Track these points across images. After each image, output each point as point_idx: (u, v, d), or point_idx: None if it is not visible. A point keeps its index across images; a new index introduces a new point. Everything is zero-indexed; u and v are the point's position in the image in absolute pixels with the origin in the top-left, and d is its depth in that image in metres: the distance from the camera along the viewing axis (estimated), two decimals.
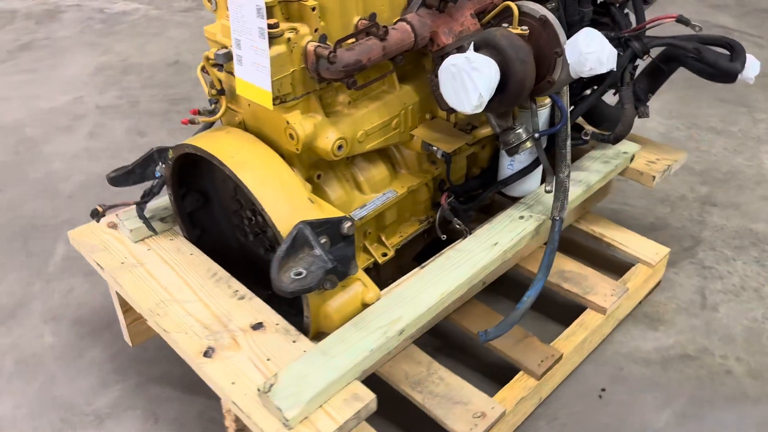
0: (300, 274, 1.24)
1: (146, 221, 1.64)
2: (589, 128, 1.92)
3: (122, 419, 1.76)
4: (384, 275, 1.77)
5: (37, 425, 1.75)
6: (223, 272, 1.61)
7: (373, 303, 1.46)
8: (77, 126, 3.08)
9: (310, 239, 1.27)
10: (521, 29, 1.45)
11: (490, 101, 1.42)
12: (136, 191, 1.68)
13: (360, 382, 1.35)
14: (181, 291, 1.56)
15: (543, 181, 1.81)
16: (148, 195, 1.63)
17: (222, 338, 1.44)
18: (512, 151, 1.58)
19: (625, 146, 2.01)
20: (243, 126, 1.51)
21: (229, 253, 1.74)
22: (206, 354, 1.41)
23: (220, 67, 1.38)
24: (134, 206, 1.64)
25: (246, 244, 1.71)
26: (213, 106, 1.48)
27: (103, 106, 3.24)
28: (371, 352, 1.35)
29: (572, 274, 1.96)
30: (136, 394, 1.83)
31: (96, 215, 1.58)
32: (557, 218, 1.64)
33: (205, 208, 1.71)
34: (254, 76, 1.28)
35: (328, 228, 1.31)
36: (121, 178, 1.62)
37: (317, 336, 1.46)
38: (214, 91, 1.43)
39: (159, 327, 1.49)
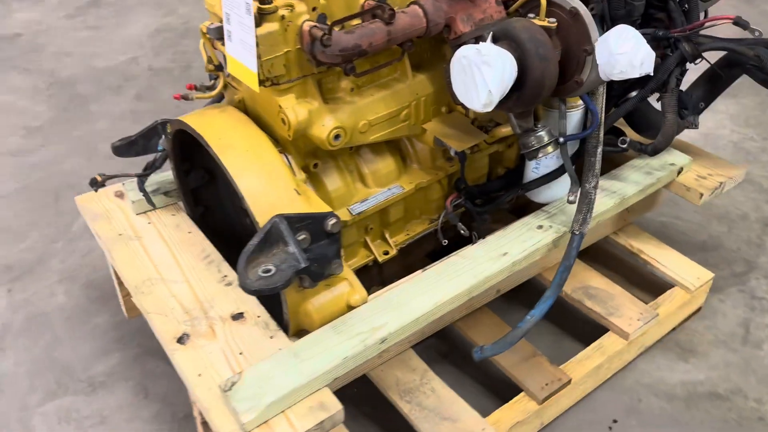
0: (268, 271, 1.15)
1: (146, 195, 1.60)
2: (632, 135, 1.75)
3: (114, 389, 1.75)
4: (387, 273, 1.67)
5: (33, 385, 1.76)
6: (216, 255, 1.56)
7: (358, 305, 1.36)
8: (127, 87, 3.10)
9: (284, 234, 1.18)
10: (548, 22, 1.30)
11: (505, 99, 1.29)
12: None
13: (330, 390, 1.26)
14: (170, 270, 1.52)
15: None
16: (150, 168, 1.58)
17: (199, 325, 1.38)
18: (531, 156, 1.44)
19: (674, 157, 1.81)
20: (242, 105, 1.43)
21: (233, 235, 1.68)
22: (180, 340, 1.36)
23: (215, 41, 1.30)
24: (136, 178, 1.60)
25: (249, 228, 1.65)
26: (212, 82, 1.40)
27: (156, 69, 3.25)
28: (344, 360, 1.26)
29: (598, 291, 1.80)
30: (132, 366, 1.81)
31: (94, 184, 1.55)
32: (577, 233, 1.49)
33: (210, 186, 1.65)
34: (242, 54, 1.19)
35: (309, 223, 1.22)
36: (124, 148, 1.58)
37: (300, 334, 1.39)
38: (211, 66, 1.35)
39: (141, 305, 1.45)
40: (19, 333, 1.91)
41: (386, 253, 1.57)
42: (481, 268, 1.46)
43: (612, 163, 1.82)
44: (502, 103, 1.31)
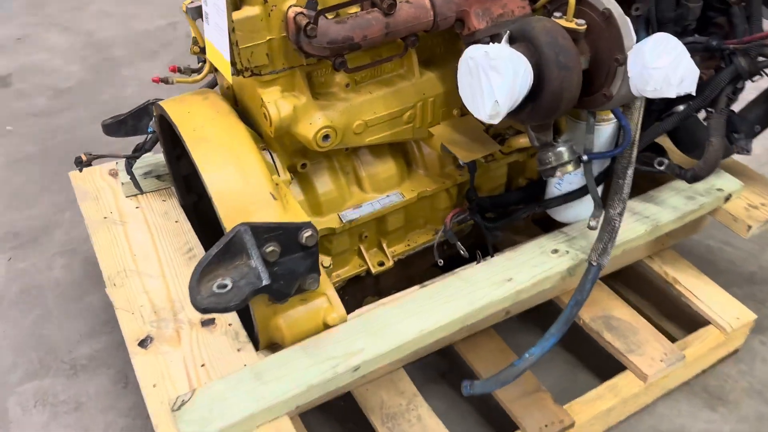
0: (224, 287, 1.03)
1: (134, 178, 1.50)
2: (675, 153, 1.54)
3: (94, 375, 1.69)
4: (385, 284, 1.54)
5: (15, 362, 1.71)
6: (200, 249, 1.45)
7: (335, 325, 1.23)
8: (162, 53, 3.02)
9: (247, 246, 1.05)
10: (576, 23, 1.11)
11: (518, 109, 1.12)
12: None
13: (289, 418, 1.14)
14: (148, 262, 1.42)
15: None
16: (139, 151, 1.48)
17: (166, 328, 1.28)
18: (547, 174, 1.26)
19: (722, 180, 1.60)
20: (231, 93, 1.30)
21: None
22: (142, 343, 1.26)
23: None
24: (125, 159, 1.50)
25: None
26: (200, 64, 1.28)
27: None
28: (308, 388, 1.14)
29: (620, 323, 1.62)
30: (116, 352, 1.74)
31: (80, 163, 1.46)
32: (594, 264, 1.32)
33: None
34: (217, 39, 1.06)
35: (279, 234, 1.09)
36: (114, 126, 1.48)
37: (275, 346, 1.27)
38: (197, 48, 1.23)
39: (111, 298, 1.36)
40: (11, 304, 1.86)
41: (382, 264, 1.43)
42: (480, 294, 1.30)
43: (652, 181, 1.63)
44: (515, 114, 1.14)
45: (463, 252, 1.34)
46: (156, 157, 1.60)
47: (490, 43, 1.12)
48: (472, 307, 1.28)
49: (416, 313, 1.26)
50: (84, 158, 1.45)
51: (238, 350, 1.24)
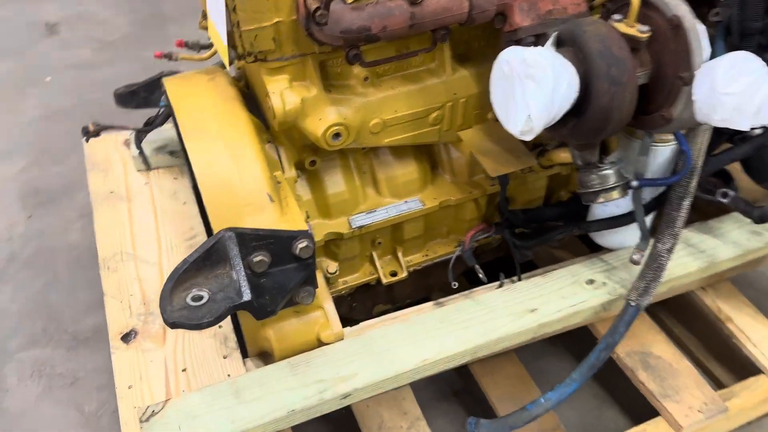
0: (199, 299, 0.92)
1: (142, 153, 1.41)
2: (745, 183, 1.34)
3: (95, 350, 1.63)
4: (400, 294, 1.41)
5: (19, 327, 1.67)
6: (204, 237, 1.35)
7: (330, 343, 1.11)
8: None
9: (230, 255, 0.94)
10: (638, 30, 0.94)
11: (560, 124, 0.96)
12: None
13: None
14: (147, 247, 1.33)
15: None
16: (150, 125, 1.38)
17: (153, 323, 1.20)
18: (587, 198, 1.10)
19: None
20: (243, 75, 1.18)
21: None
22: (125, 337, 1.18)
23: None
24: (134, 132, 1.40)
25: None
26: (210, 40, 1.15)
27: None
28: (289, 413, 1.03)
29: (659, 362, 1.44)
30: None
31: (86, 133, 1.37)
32: (633, 304, 1.15)
33: None
34: (216, 17, 0.93)
35: (270, 243, 0.97)
36: (126, 96, 1.38)
37: (266, 356, 1.16)
38: (205, 23, 1.10)
39: (103, 282, 1.28)
40: (23, 266, 1.82)
41: (395, 274, 1.30)
42: (497, 324, 1.16)
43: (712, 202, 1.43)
44: (554, 130, 0.98)
45: (481, 276, 1.19)
46: (171, 131, 1.50)
47: (533, 45, 0.96)
48: (485, 338, 1.14)
49: (421, 339, 1.13)
50: (91, 128, 1.36)
51: (225, 357, 1.14)
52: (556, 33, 0.96)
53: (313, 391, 1.05)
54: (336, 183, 1.18)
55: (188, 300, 0.92)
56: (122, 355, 1.15)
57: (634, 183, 1.10)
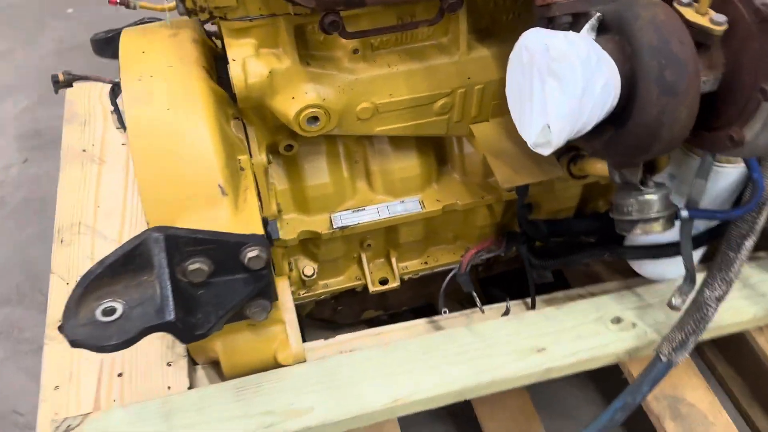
0: (111, 312, 0.75)
1: (117, 110, 1.23)
2: None
3: None
4: (394, 300, 1.21)
5: None
6: None
7: (288, 365, 0.93)
8: None
9: (153, 261, 0.76)
10: (712, 21, 0.69)
11: (593, 133, 0.73)
12: None
13: None
14: (109, 219, 1.17)
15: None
16: None
17: None
18: (622, 228, 0.87)
19: None
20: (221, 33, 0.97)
21: None
22: (62, 327, 1.02)
23: None
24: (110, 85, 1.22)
25: None
26: None
27: None
28: None
29: (691, 411, 1.21)
30: None
31: (56, 83, 1.19)
32: (664, 358, 0.93)
33: None
34: None
35: (211, 249, 0.79)
36: (102, 43, 1.20)
37: (218, 365, 1.00)
38: None
39: (53, 256, 1.13)
40: (11, 213, 1.71)
41: (384, 281, 1.10)
42: (495, 363, 0.96)
43: None
44: (586, 140, 0.75)
45: (479, 305, 0.98)
46: None
47: (569, 28, 0.73)
48: (476, 379, 0.94)
49: (397, 372, 0.94)
50: (61, 78, 1.18)
51: (168, 364, 0.98)
52: (599, 14, 0.72)
53: (256, 425, 0.87)
54: (318, 173, 0.98)
55: (98, 313, 0.75)
56: (55, 348, 1.00)
57: (684, 213, 0.87)
